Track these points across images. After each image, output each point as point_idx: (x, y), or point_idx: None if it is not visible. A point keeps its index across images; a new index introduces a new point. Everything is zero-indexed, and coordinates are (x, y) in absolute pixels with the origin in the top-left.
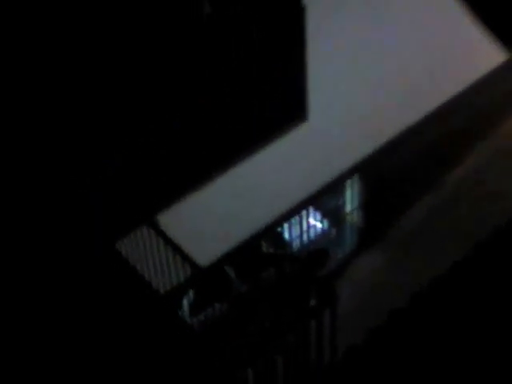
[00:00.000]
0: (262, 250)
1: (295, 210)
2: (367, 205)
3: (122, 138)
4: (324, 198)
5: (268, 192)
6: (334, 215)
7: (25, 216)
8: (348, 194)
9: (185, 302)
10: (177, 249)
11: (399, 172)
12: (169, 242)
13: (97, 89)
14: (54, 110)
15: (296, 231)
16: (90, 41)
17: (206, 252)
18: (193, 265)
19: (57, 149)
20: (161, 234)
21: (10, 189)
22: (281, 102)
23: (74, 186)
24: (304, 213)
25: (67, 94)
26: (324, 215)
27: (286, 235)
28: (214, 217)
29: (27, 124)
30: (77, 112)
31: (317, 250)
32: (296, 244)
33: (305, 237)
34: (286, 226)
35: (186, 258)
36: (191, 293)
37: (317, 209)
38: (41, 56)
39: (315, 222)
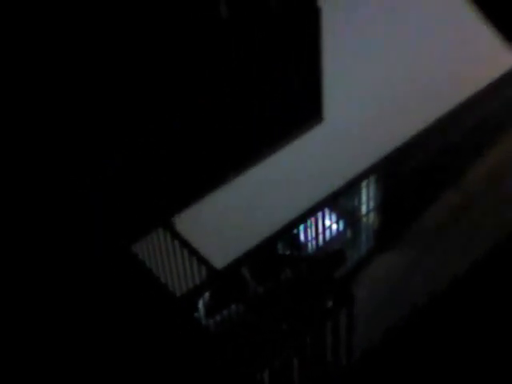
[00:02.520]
0: (277, 251)
1: (311, 212)
2: (384, 206)
3: (121, 138)
4: (340, 199)
5: (283, 193)
6: (350, 216)
7: (25, 216)
8: (364, 194)
9: (201, 304)
10: (193, 251)
11: (416, 173)
12: (185, 244)
13: (97, 89)
14: (54, 109)
15: (312, 233)
16: (90, 40)
17: (221, 254)
18: (209, 267)
19: (57, 149)
20: (177, 236)
21: (10, 189)
22: (296, 103)
23: (74, 186)
24: (320, 214)
25: (67, 94)
26: (340, 216)
27: (302, 237)
28: (229, 219)
29: (27, 124)
30: (77, 112)
31: (333, 251)
32: (312, 245)
33: (321, 238)
34: (301, 227)
35: (201, 260)
36: (207, 294)
37: (333, 210)
38: (41, 56)
39: (331, 223)
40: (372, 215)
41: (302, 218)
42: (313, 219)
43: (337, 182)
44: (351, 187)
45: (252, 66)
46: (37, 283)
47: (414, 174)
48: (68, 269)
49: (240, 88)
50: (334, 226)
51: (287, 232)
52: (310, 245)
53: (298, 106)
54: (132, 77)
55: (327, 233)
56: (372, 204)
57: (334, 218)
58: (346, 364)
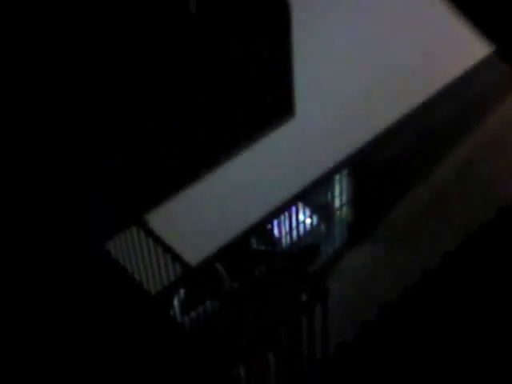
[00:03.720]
0: (252, 247)
1: (284, 207)
2: (356, 200)
3: (121, 138)
4: (313, 194)
5: (257, 189)
6: (323, 211)
7: (24, 216)
8: (337, 189)
9: (176, 301)
10: (167, 248)
11: (388, 166)
12: (158, 241)
13: (96, 89)
14: (54, 109)
15: (286, 228)
16: (90, 40)
17: (196, 250)
18: (183, 264)
19: (57, 149)
20: (150, 233)
21: (10, 189)
22: (267, 99)
23: (74, 186)
24: (293, 209)
25: (67, 94)
26: (313, 211)
27: (276, 232)
28: (203, 215)
29: (27, 124)
30: (77, 112)
31: (308, 246)
32: (286, 240)
33: (294, 233)
34: (275, 222)
35: (176, 257)
36: (182, 292)
37: (306, 205)
38: (41, 56)
39: (305, 218)
40: (345, 209)
41: (276, 213)
42: (286, 214)
43: (309, 176)
44: (324, 182)
45: (222, 62)
46: (36, 283)
47: (387, 168)
48: (68, 268)
49: (211, 85)
50: (308, 221)
51: (261, 227)
52: (284, 240)
53: (270, 102)
54: (131, 77)
55: (301, 228)
56: (345, 198)
57: (307, 212)
58: (322, 358)
